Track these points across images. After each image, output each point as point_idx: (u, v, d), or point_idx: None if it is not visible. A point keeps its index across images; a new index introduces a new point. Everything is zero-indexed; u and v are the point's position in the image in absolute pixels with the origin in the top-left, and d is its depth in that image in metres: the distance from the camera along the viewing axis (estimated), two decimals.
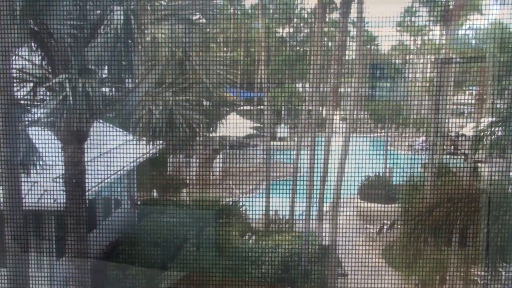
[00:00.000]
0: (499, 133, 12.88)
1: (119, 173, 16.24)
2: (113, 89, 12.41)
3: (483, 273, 16.58)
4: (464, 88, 25.65)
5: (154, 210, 17.82)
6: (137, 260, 15.69)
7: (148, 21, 11.27)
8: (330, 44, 27.72)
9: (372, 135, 26.86)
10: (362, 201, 21.93)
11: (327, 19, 25.29)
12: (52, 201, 13.70)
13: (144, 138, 11.98)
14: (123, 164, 15.91)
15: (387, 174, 24.90)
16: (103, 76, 12.01)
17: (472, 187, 12.40)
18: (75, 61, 11.08)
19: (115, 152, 14.66)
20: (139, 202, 19.58)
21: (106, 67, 11.89)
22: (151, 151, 16.61)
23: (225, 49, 23.30)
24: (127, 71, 11.88)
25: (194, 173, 22.70)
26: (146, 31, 11.39)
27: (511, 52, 17.05)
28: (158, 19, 11.31)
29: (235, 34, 23.85)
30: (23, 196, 12.77)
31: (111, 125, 15.89)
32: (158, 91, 11.33)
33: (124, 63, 11.74)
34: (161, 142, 13.49)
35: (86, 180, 12.20)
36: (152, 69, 11.44)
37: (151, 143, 12.14)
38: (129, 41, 11.36)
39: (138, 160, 16.93)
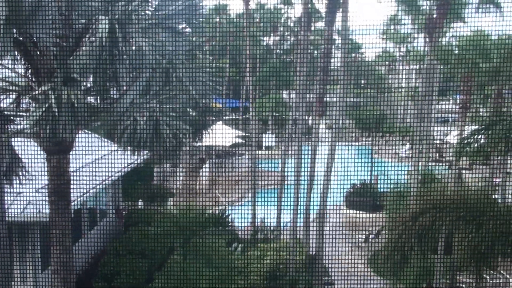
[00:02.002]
0: (482, 140, 13.00)
1: (104, 183, 16.14)
2: (98, 99, 12.33)
3: (468, 280, 16.69)
4: (448, 96, 25.93)
5: (140, 220, 17.72)
6: (123, 270, 15.56)
7: (133, 30, 11.23)
8: (315, 52, 27.91)
9: (357, 143, 27.02)
10: (348, 210, 21.99)
11: (312, 28, 25.46)
12: (36, 212, 13.56)
13: (130, 148, 11.89)
14: (108, 174, 15.82)
15: (373, 182, 25.04)
16: (88, 85, 11.94)
17: (456, 194, 12.48)
18: (60, 70, 11.01)
19: (100, 162, 14.57)
20: (125, 212, 19.46)
21: (91, 77, 11.82)
22: (137, 161, 16.54)
23: (211, 58, 23.34)
24: (112, 81, 11.83)
25: (180, 182, 22.64)
26: (131, 41, 11.34)
27: (493, 60, 17.29)
28: (144, 29, 11.29)
29: (221, 43, 23.91)
30: (6, 207, 12.62)
31: (96, 135, 15.82)
32: (143, 101, 11.27)
33: (109, 72, 11.68)
34: (146, 151, 13.43)
35: (71, 191, 12.07)
36: (138, 79, 11.39)
37: (136, 153, 12.06)
38: (114, 50, 11.31)
39: (123, 170, 16.84)
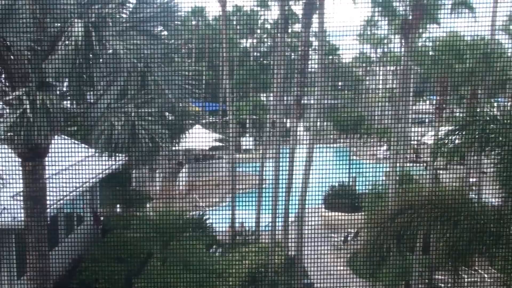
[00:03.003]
0: (458, 141, 13.18)
1: (81, 188, 15.96)
2: (74, 103, 12.19)
3: (445, 278, 16.90)
4: (424, 97, 26.26)
5: (118, 225, 17.55)
6: (101, 276, 15.39)
7: (109, 33, 11.13)
8: (292, 55, 28.02)
9: (335, 144, 27.18)
10: (327, 211, 22.09)
11: (289, 31, 25.55)
12: (11, 218, 13.34)
13: (106, 153, 11.77)
14: (85, 179, 15.65)
15: (351, 183, 25.20)
16: (63, 90, 11.81)
17: (433, 194, 12.64)
18: (34, 75, 10.86)
19: (76, 167, 14.41)
20: (102, 218, 19.26)
21: (66, 81, 11.69)
22: (114, 166, 16.38)
23: (188, 61, 23.26)
24: (88, 85, 11.71)
25: (159, 186, 22.51)
26: (107, 44, 11.24)
27: (467, 61, 17.57)
28: (119, 32, 11.19)
29: (198, 46, 23.86)
30: None
31: (72, 140, 15.63)
32: (120, 105, 11.17)
33: (84, 76, 11.56)
34: (123, 156, 13.31)
35: (47, 197, 11.91)
36: (114, 82, 11.29)
37: (113, 157, 11.94)
38: (90, 54, 11.20)
39: (100, 175, 16.67)
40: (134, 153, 11.71)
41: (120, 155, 12.66)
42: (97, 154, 12.17)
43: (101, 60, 11.54)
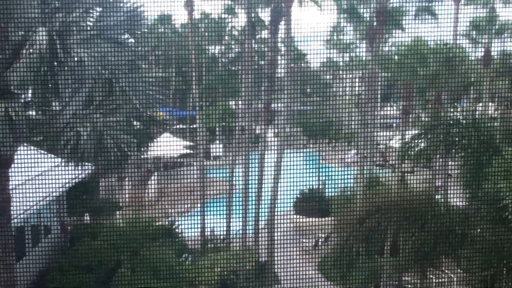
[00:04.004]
0: (423, 144, 13.45)
1: (48, 198, 15.67)
2: (39, 112, 12.02)
3: (414, 279, 17.15)
4: (390, 102, 26.67)
5: (87, 234, 17.30)
6: (69, 286, 15.14)
7: (74, 41, 11.01)
8: (261, 62, 28.13)
9: (305, 150, 27.34)
10: (297, 216, 22.19)
11: (257, 37, 25.68)
12: None
13: (73, 162, 11.63)
14: (52, 189, 15.37)
15: (321, 187, 25.39)
16: (28, 99, 11.63)
17: (400, 197, 12.85)
18: None
19: (42, 177, 14.16)
20: (70, 227, 18.96)
21: (30, 90, 11.51)
22: (81, 175, 16.16)
23: (156, 68, 23.14)
24: (53, 93, 11.55)
25: (128, 195, 22.28)
26: (72, 52, 11.12)
27: (431, 66, 17.95)
28: (84, 40, 11.10)
29: (166, 53, 23.76)
30: None
31: (37, 149, 15.35)
32: (85, 113, 11.06)
33: (49, 85, 11.41)
34: (91, 165, 13.16)
35: (12, 208, 11.69)
36: (79, 91, 11.17)
37: (80, 166, 11.80)
38: (54, 62, 11.07)
39: (68, 185, 16.41)
40: (102, 161, 11.60)
41: (87, 164, 12.52)
42: (63, 164, 12.01)
43: (66, 68, 11.41)
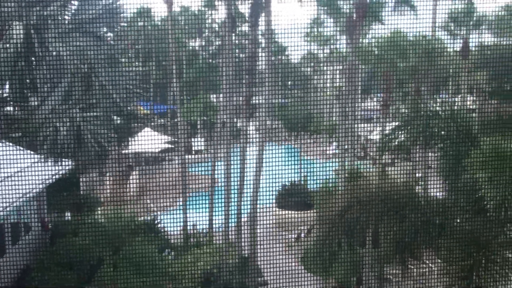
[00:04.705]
0: (403, 137, 13.55)
1: (27, 196, 15.48)
2: (16, 108, 11.86)
3: (395, 271, 17.34)
4: (370, 95, 26.84)
5: (68, 231, 17.14)
6: (50, 285, 15.00)
7: (51, 35, 10.87)
8: (241, 55, 28.09)
9: (286, 143, 27.41)
10: (279, 209, 22.26)
11: (237, 31, 25.62)
12: None
13: (52, 158, 11.50)
14: (31, 186, 15.18)
15: (302, 181, 25.49)
16: (4, 94, 11.46)
17: (380, 189, 12.95)
18: None
19: (21, 175, 13.97)
20: (50, 225, 18.76)
21: (7, 85, 11.35)
22: (60, 171, 15.99)
23: (135, 62, 22.97)
24: (31, 89, 11.41)
25: (109, 191, 22.11)
26: (49, 46, 10.97)
27: (410, 58, 18.08)
28: (62, 34, 10.95)
29: (145, 47, 23.58)
30: None
31: (15, 146, 15.14)
32: (64, 108, 10.94)
33: (27, 80, 11.26)
34: (70, 161, 13.02)
35: None
36: (57, 85, 11.03)
37: (59, 162, 11.67)
38: (32, 57, 10.92)
39: (47, 181, 16.23)
40: (81, 157, 11.49)
41: (66, 160, 12.39)
42: (42, 160, 11.86)
43: (43, 63, 11.26)
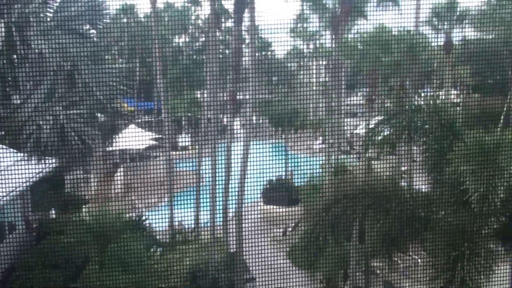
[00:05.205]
0: (387, 131, 13.63)
1: (11, 194, 15.33)
2: None
3: (381, 264, 17.46)
4: (355, 90, 26.95)
5: (53, 230, 17.00)
6: (36, 284, 14.88)
7: (32, 33, 10.75)
8: (226, 51, 28.03)
9: (272, 139, 27.43)
10: (266, 205, 22.30)
11: (222, 27, 25.54)
12: None
13: (35, 156, 11.39)
14: (15, 185, 15.03)
15: (289, 176, 25.55)
16: None
17: (366, 183, 13.02)
18: None
19: (4, 173, 13.82)
20: (35, 224, 18.60)
21: None
22: (44, 169, 15.86)
23: (120, 60, 22.81)
24: (13, 87, 11.29)
25: (94, 189, 21.97)
26: (31, 44, 10.85)
27: (394, 54, 18.18)
28: (44, 31, 10.84)
29: (129, 43, 23.43)
30: None
31: None
32: (47, 106, 10.84)
33: (9, 78, 11.14)
34: (54, 159, 12.91)
35: None
36: (40, 84, 10.92)
37: (43, 160, 11.57)
38: (13, 55, 10.81)
39: (31, 180, 16.08)
40: (65, 155, 11.41)
41: (50, 158, 12.29)
42: (26, 158, 11.76)
43: (26, 61, 11.15)
